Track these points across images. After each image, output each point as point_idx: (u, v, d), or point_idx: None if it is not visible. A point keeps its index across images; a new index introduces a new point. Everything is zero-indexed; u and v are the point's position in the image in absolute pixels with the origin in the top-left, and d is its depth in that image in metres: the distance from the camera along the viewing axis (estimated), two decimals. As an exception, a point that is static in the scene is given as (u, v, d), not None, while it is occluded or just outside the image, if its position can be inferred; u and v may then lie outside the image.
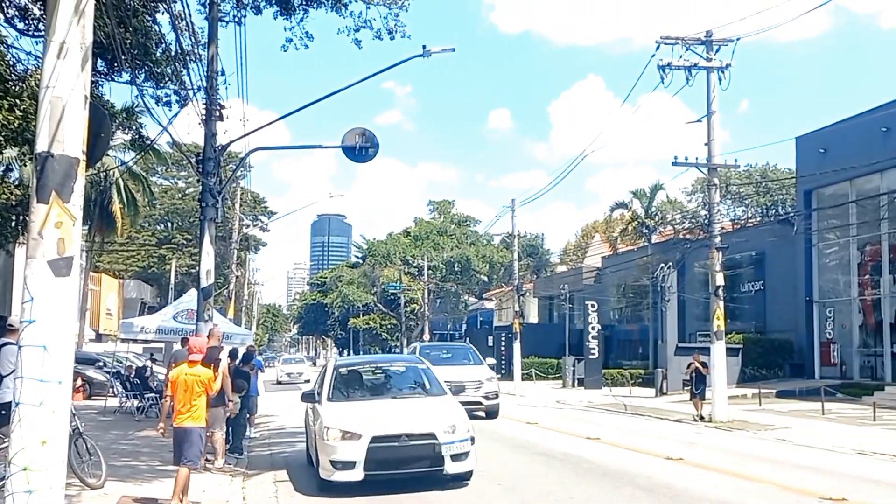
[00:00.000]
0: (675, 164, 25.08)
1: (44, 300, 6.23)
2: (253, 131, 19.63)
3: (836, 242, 35.26)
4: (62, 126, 6.45)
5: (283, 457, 14.94)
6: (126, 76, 15.38)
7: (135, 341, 30.72)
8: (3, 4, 12.81)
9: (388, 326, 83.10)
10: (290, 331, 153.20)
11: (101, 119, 7.60)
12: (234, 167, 20.77)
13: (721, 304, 24.83)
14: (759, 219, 48.40)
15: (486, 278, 79.49)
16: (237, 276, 45.55)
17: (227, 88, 41.88)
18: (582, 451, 15.18)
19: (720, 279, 24.81)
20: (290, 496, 11.18)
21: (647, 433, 19.20)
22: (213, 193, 17.61)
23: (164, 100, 17.42)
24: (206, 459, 12.98)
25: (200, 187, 18.43)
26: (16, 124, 11.25)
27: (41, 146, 6.44)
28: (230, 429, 14.31)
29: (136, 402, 21.71)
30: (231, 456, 14.37)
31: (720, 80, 24.11)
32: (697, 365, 23.91)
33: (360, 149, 17.90)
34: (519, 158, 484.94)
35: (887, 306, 32.39)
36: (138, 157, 28.68)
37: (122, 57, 12.54)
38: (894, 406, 24.94)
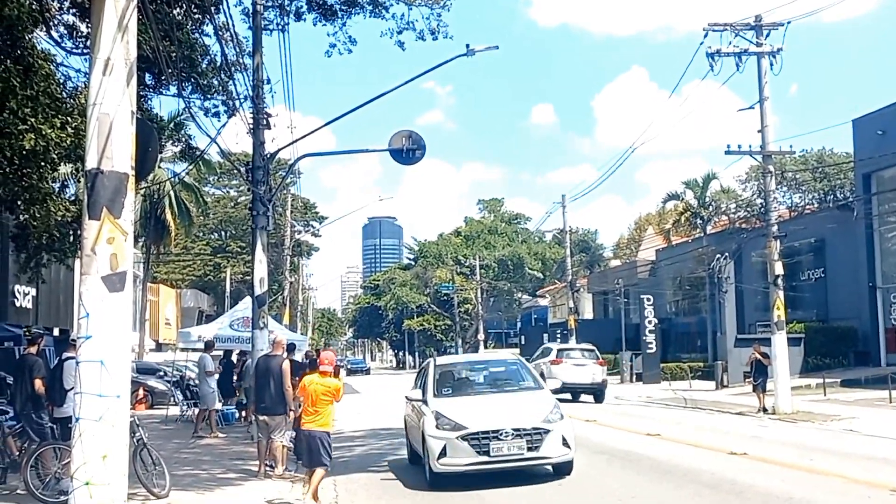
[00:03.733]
0: (727, 152, 24.66)
1: (99, 316, 6.29)
2: (300, 138, 19.74)
3: (898, 225, 34.37)
4: (110, 142, 6.50)
5: (343, 461, 14.95)
6: (173, 89, 15.63)
7: (194, 350, 31.12)
8: (52, 23, 13.06)
9: (443, 327, 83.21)
10: (346, 334, 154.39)
11: (149, 133, 7.66)
12: (283, 174, 20.90)
13: (781, 293, 24.34)
14: (816, 205, 47.34)
15: (539, 275, 79.17)
16: (291, 283, 45.98)
17: (272, 96, 42.35)
18: (642, 448, 14.96)
19: (779, 268, 24.31)
20: (350, 499, 11.19)
21: (709, 428, 18.86)
22: (264, 202, 17.76)
23: (213, 111, 17.69)
24: (268, 465, 13.08)
25: (251, 196, 18.62)
26: (68, 141, 11.45)
27: (91, 163, 6.50)
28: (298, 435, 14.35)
29: (196, 410, 21.96)
30: (293, 462, 14.46)
31: (771, 65, 23.61)
32: (758, 356, 23.48)
33: (408, 151, 17.90)
34: (564, 154, 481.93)
35: (954, 289, 31.50)
36: (189, 167, 29.08)
37: (169, 70, 12.70)
38: (966, 392, 24.20)
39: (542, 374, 28.73)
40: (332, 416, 10.58)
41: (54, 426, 11.40)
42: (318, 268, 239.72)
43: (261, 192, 17.66)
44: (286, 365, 13.39)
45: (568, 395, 28.29)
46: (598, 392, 29.34)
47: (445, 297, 77.37)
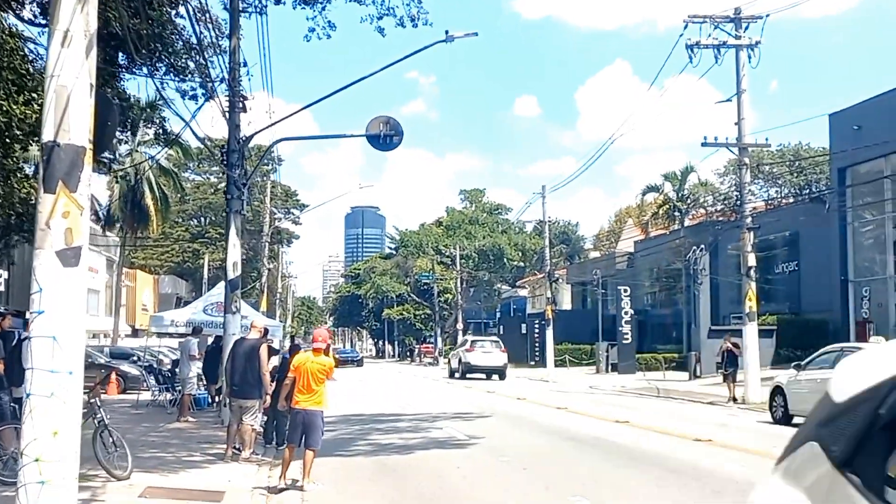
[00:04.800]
0: (704, 144, 24.77)
1: (52, 291, 6.20)
2: (277, 122, 19.61)
3: (872, 220, 34.65)
4: (67, 115, 6.39)
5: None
6: (147, 70, 15.46)
7: (169, 335, 30.97)
8: (24, 2, 12.90)
9: (422, 316, 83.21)
10: (326, 323, 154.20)
11: (108, 107, 7.56)
12: (260, 158, 20.76)
13: (753, 285, 24.52)
14: (792, 199, 47.70)
15: (519, 266, 79.28)
16: (269, 269, 45.79)
17: (250, 80, 42.07)
18: (611, 435, 15.04)
19: (752, 260, 24.50)
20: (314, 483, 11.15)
21: (679, 416, 19.00)
22: (238, 185, 17.65)
23: (190, 93, 17.54)
24: (235, 449, 13.03)
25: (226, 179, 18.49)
26: (34, 118, 11.30)
27: (47, 135, 6.40)
28: (276, 421, 14.29)
29: (168, 396, 21.87)
30: (261, 446, 14.41)
31: (749, 58, 23.75)
32: (730, 346, 23.66)
33: (385, 137, 17.86)
34: (547, 146, 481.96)
35: (925, 284, 31.83)
36: (164, 150, 28.86)
37: (140, 49, 12.57)
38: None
39: (458, 359, 41.37)
40: (325, 394, 10.55)
41: (15, 406, 11.28)
42: (299, 256, 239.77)
43: (235, 176, 17.56)
44: (264, 348, 13.32)
45: (481, 375, 38.52)
46: (500, 372, 38.67)
47: (425, 287, 77.33)
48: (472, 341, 42.35)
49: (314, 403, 10.35)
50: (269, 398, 13.35)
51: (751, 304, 24.38)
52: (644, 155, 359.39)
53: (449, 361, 47.19)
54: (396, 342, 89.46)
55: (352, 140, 19.26)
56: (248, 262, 51.78)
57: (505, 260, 76.26)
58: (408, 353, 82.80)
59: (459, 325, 67.47)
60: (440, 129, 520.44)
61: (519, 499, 9.26)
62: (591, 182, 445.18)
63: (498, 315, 79.85)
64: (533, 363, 52.32)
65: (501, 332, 69.57)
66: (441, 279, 73.69)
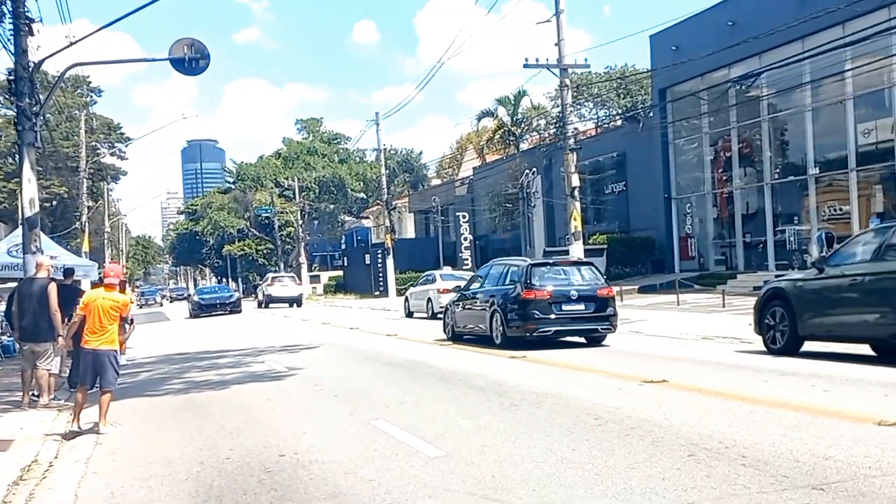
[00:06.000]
0: (526, 66, 24.94)
1: None
2: (70, 45, 18.09)
3: (691, 139, 36.15)
4: None
5: (123, 387, 14.24)
6: None
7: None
8: None
9: (265, 251, 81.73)
10: (167, 262, 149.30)
11: None
12: (53, 86, 19.23)
13: (577, 205, 25.07)
14: (620, 121, 49.13)
15: (362, 196, 78.75)
16: (90, 208, 43.42)
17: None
18: (428, 358, 15.12)
19: (576, 180, 24.99)
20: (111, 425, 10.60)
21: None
22: (29, 115, 16.32)
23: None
24: (34, 396, 12.28)
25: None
26: None
27: None
28: (74, 361, 13.52)
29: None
30: (65, 391, 13.65)
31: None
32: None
33: (190, 60, 16.87)
34: (389, 74, 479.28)
35: (739, 198, 33.59)
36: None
37: None
38: (743, 293, 25.97)
39: (262, 293, 50.34)
40: (117, 333, 9.91)
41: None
42: (133, 193, 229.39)
43: (25, 106, 16.21)
44: (52, 287, 12.47)
45: (283, 305, 46.99)
46: (296, 301, 47.95)
47: (266, 221, 75.78)
48: (273, 277, 52.95)
49: (106, 343, 9.75)
50: (71, 341, 12.59)
51: (576, 224, 24.96)
52: (486, 81, 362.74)
53: (257, 295, 54.39)
54: (240, 279, 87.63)
55: (149, 62, 18.08)
56: (69, 202, 49.03)
57: (347, 190, 75.51)
58: (252, 290, 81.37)
59: (302, 259, 66.68)
60: (278, 58, 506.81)
61: (321, 425, 9.07)
62: (436, 109, 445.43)
63: (343, 246, 79.38)
64: (377, 293, 52.43)
65: (346, 263, 69.32)
66: (282, 212, 72.32)
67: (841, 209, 28.85)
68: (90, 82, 55.65)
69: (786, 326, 12.63)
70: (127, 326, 15.86)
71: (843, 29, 25.19)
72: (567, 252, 26.08)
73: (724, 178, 34.39)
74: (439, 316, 22.41)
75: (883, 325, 11.08)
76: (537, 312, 15.47)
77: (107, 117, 57.97)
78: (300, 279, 61.12)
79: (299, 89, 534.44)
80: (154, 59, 17.91)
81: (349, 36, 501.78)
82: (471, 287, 18.95)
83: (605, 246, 36.85)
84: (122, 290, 10.83)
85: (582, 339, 16.19)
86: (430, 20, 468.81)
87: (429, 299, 28.42)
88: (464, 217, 46.53)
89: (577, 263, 17.77)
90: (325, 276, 76.17)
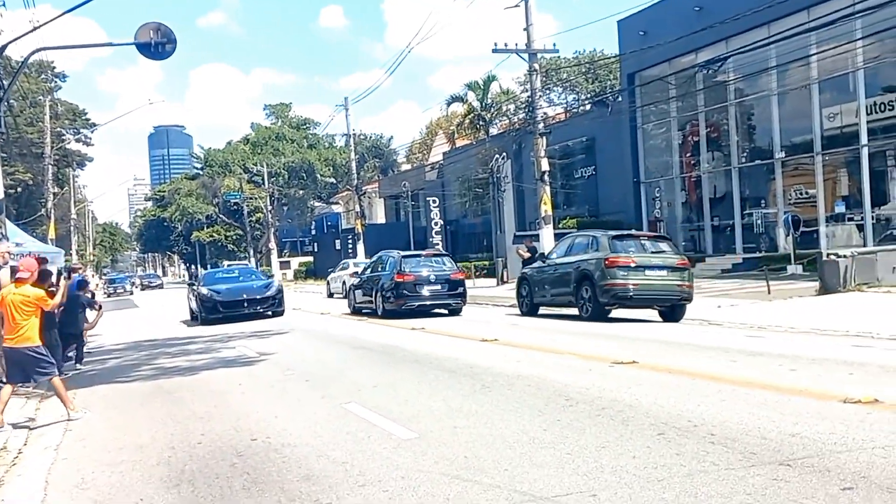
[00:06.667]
0: (495, 50, 24.96)
1: None
2: (33, 30, 17.82)
3: (659, 123, 36.38)
4: None
5: (92, 374, 14.15)
6: None
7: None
8: None
9: (234, 237, 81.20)
10: (135, 249, 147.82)
11: None
12: (16, 71, 18.91)
13: (547, 189, 25.22)
14: (589, 106, 49.30)
15: (332, 181, 78.39)
16: (55, 194, 42.86)
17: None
18: (403, 342, 15.11)
19: (545, 164, 25.12)
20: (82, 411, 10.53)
21: (475, 320, 19.40)
22: (-9, 100, 16.07)
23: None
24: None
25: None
26: None
27: None
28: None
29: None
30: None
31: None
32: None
33: (157, 45, 16.64)
34: (357, 59, 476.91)
35: (707, 182, 33.89)
36: None
37: None
38: (711, 275, 26.28)
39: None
40: (36, 328, 9.52)
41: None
42: (99, 180, 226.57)
43: (-14, 90, 15.95)
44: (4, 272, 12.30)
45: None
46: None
47: (235, 207, 75.21)
48: (229, 265, 55.74)
49: (23, 340, 9.42)
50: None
51: (546, 208, 25.11)
52: (456, 65, 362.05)
53: None
54: (209, 265, 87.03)
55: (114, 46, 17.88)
56: (34, 188, 48.36)
57: (317, 176, 75.10)
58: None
59: (272, 245, 66.31)
60: (244, 43, 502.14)
61: (293, 409, 9.07)
62: (405, 95, 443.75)
63: (313, 232, 79.08)
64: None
65: (316, 249, 69.11)
66: (251, 198, 71.81)
67: (807, 192, 29.21)
68: (54, 67, 54.83)
69: (527, 298, 19.51)
70: (94, 313, 15.81)
71: (808, 14, 25.43)
72: (537, 237, 26.31)
73: (692, 162, 34.65)
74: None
75: (567, 296, 17.79)
76: (406, 291, 20.70)
77: (72, 103, 57.12)
78: (270, 265, 60.91)
79: (267, 74, 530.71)
80: (120, 44, 17.67)
81: (316, 21, 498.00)
82: (366, 273, 23.78)
83: (575, 230, 36.95)
84: (41, 285, 10.53)
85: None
86: (398, 4, 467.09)
87: (343, 282, 33.58)
88: (434, 202, 46.48)
89: (437, 255, 23.56)
90: (295, 262, 75.89)
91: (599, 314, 16.75)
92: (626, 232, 20.01)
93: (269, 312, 23.62)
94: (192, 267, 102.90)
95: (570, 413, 7.64)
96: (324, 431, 7.66)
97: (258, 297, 23.64)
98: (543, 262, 19.79)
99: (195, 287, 25.46)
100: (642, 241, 17.96)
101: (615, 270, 16.51)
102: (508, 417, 7.62)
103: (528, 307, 19.64)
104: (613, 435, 6.64)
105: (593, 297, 16.84)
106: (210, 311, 23.18)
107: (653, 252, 17.33)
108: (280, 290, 24.43)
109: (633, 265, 16.62)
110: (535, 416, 7.62)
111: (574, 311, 17.82)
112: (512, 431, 7.02)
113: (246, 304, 23.26)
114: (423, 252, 25.18)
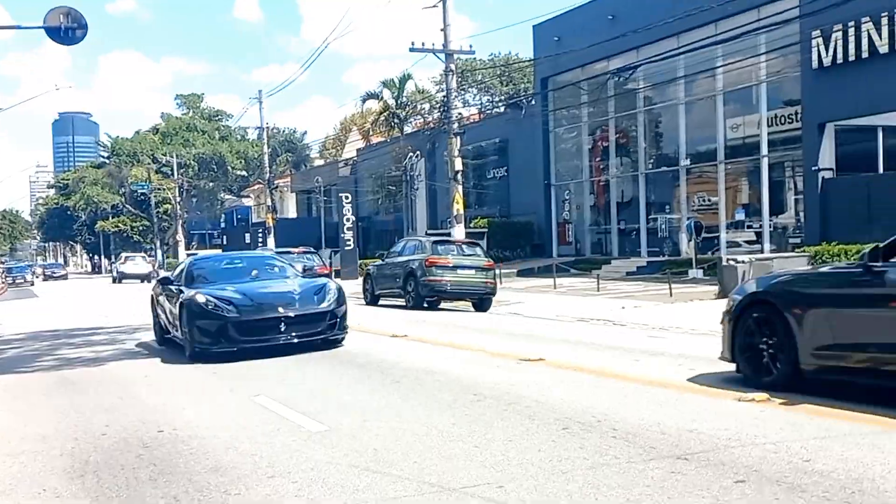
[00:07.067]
0: (412, 49, 25.07)
1: None
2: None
3: (571, 128, 37.10)
4: None
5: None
6: None
7: None
8: None
9: (140, 228, 79.22)
10: (35, 238, 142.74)
11: None
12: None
13: (460, 188, 25.45)
14: (503, 107, 49.89)
15: (243, 174, 77.28)
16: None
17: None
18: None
19: (458, 164, 25.33)
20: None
21: (384, 316, 19.47)
22: None
23: None
24: None
25: None
26: None
27: None
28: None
29: None
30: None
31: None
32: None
33: (66, 30, 16.41)
34: (272, 52, 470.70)
35: (614, 187, 34.71)
36: None
37: None
38: (616, 277, 26.96)
39: (116, 269, 57.53)
40: None
41: None
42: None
43: None
44: None
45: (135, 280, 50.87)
46: (146, 278, 50.40)
47: (142, 197, 73.42)
48: (126, 257, 59.00)
49: None
50: None
51: (458, 207, 25.33)
52: (373, 63, 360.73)
53: (112, 271, 60.54)
54: (114, 256, 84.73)
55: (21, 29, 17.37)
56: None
57: (228, 168, 73.94)
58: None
59: (179, 237, 65.00)
60: (154, 31, 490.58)
61: (201, 401, 8.99)
62: (320, 90, 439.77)
63: (222, 224, 77.76)
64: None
65: (225, 242, 67.94)
66: (159, 189, 70.21)
67: (710, 200, 30.21)
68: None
69: (370, 290, 23.15)
70: None
71: (716, 27, 26.29)
72: (449, 234, 26.49)
73: (602, 166, 35.44)
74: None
75: (398, 288, 21.49)
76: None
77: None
78: (177, 257, 59.51)
79: (177, 63, 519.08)
80: (28, 27, 17.33)
81: (230, 12, 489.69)
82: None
83: (486, 230, 37.47)
84: None
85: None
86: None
87: None
88: (346, 198, 46.22)
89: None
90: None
91: (420, 304, 20.61)
92: (445, 238, 24.20)
93: (320, 340, 12.50)
94: (95, 257, 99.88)
95: (478, 408, 7.76)
96: (232, 423, 7.63)
97: (304, 312, 12.46)
98: (383, 260, 23.57)
99: (173, 288, 13.84)
100: (459, 246, 21.89)
101: (434, 269, 20.38)
102: (418, 411, 7.73)
103: (370, 298, 23.15)
104: (520, 429, 6.81)
105: (415, 290, 20.68)
106: (214, 338, 12.10)
107: (466, 255, 21.12)
108: (341, 300, 13.00)
109: (449, 265, 20.55)
110: (443, 410, 7.74)
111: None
112: (421, 425, 7.13)
113: (284, 326, 12.25)
114: (298, 249, 29.64)
